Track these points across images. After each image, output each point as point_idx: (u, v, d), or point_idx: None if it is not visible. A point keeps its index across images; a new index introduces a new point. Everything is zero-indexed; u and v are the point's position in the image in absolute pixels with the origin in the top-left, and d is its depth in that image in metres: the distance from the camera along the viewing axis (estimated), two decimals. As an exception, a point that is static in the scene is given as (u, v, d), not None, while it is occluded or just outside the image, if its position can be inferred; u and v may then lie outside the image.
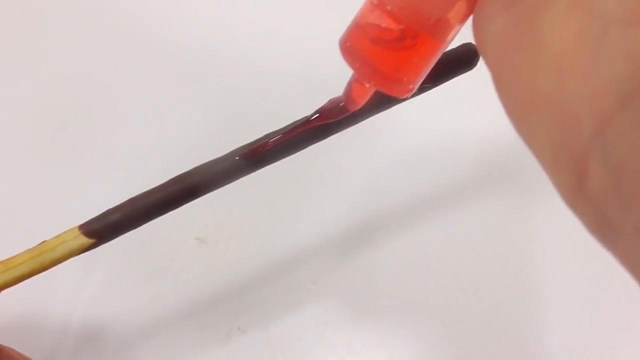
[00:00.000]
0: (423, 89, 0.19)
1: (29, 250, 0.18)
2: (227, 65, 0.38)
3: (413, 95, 0.16)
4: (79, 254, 0.18)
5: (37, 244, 0.18)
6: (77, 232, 0.17)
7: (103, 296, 0.31)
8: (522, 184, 0.34)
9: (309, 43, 0.37)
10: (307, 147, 0.19)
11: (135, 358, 0.29)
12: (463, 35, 0.16)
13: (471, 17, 0.15)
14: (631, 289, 0.29)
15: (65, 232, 0.18)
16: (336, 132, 0.19)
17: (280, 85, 0.37)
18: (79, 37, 0.39)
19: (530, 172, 0.31)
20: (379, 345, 0.30)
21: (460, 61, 0.20)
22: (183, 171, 0.30)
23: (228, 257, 0.32)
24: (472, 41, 0.16)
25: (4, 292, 0.22)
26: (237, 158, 0.19)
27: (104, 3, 0.40)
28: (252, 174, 0.33)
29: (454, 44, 0.19)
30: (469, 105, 0.35)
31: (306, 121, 0.19)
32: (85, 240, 0.17)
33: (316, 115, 0.19)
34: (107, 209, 0.18)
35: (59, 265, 0.28)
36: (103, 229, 0.18)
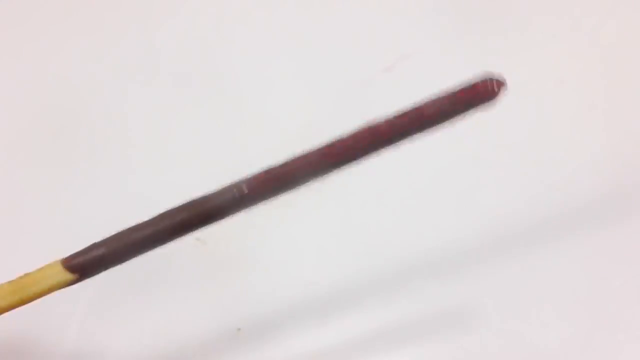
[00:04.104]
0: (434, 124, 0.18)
1: (9, 282, 0.17)
2: (232, 73, 0.37)
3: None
4: (60, 288, 0.17)
5: (18, 276, 0.17)
6: (60, 266, 0.17)
7: (102, 296, 0.31)
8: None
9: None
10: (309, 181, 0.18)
11: (135, 357, 0.30)
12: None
13: None
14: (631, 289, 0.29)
15: (47, 265, 0.17)
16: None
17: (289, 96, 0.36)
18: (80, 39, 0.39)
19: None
20: (378, 344, 0.30)
21: (480, 95, 0.17)
22: (182, 178, 0.30)
23: (228, 257, 0.32)
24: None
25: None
26: (235, 193, 0.18)
27: (105, 3, 0.39)
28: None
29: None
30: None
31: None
32: (68, 276, 0.17)
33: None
34: (93, 242, 0.18)
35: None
36: (86, 264, 0.17)
